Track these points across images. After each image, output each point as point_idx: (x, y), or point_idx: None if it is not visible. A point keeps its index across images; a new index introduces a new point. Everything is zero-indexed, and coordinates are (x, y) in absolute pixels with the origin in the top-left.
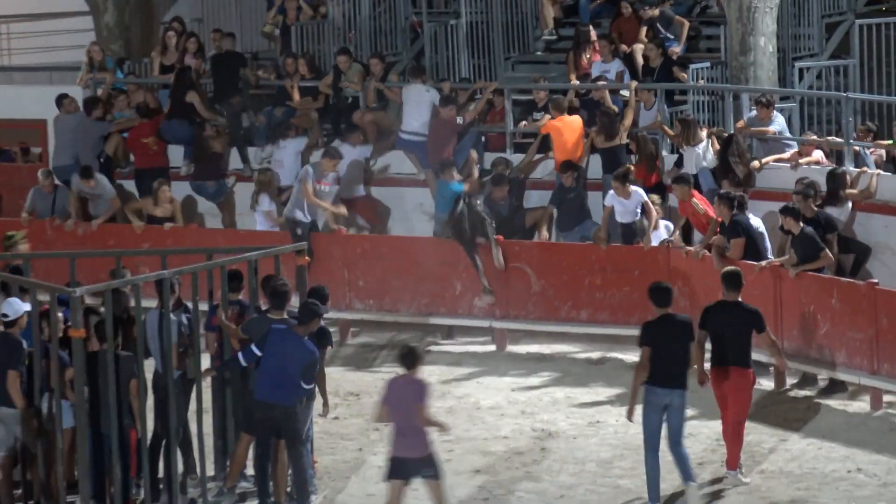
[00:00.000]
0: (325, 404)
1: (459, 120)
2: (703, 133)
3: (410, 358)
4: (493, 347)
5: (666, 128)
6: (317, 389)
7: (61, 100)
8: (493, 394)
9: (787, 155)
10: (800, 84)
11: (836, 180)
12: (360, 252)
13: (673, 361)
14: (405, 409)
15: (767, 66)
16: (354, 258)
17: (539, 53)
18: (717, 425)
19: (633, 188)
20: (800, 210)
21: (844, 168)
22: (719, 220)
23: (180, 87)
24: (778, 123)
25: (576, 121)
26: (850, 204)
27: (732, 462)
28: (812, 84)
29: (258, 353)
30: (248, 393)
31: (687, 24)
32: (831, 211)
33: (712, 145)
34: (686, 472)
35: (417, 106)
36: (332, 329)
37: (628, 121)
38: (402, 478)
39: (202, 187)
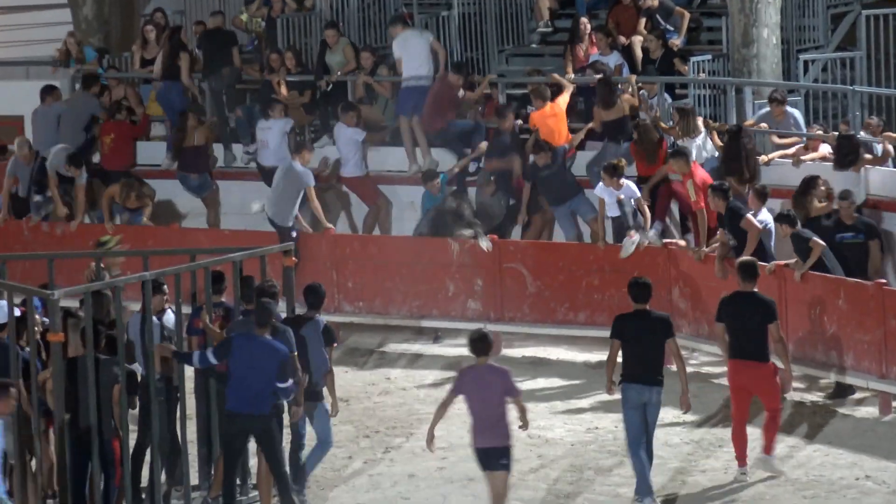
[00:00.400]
0: (334, 404)
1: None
2: (701, 123)
3: (482, 344)
4: None
5: (661, 123)
6: (325, 389)
7: (50, 91)
8: None
9: (791, 150)
10: (804, 77)
11: (850, 142)
12: (349, 252)
13: (648, 358)
14: (486, 398)
15: (771, 58)
16: (343, 258)
17: (534, 46)
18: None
19: (624, 181)
20: (794, 216)
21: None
22: (713, 213)
23: (173, 48)
24: (794, 118)
25: (558, 103)
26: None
27: (769, 447)
28: (817, 77)
29: (213, 360)
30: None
31: (687, 14)
32: (844, 176)
33: (711, 137)
34: (642, 482)
35: (414, 50)
36: None
37: (629, 94)
38: (494, 469)
39: (185, 179)
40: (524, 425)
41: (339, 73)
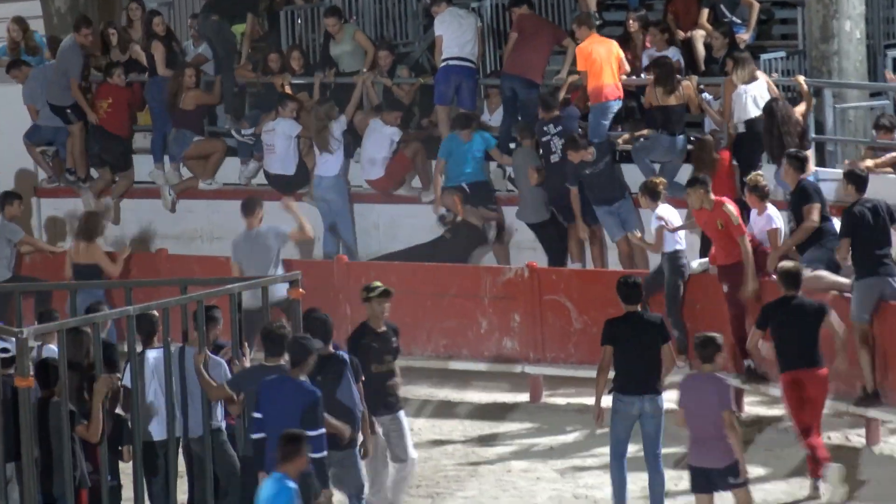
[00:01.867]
0: (364, 445)
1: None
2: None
3: (707, 349)
4: (525, 397)
5: (707, 107)
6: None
7: (17, 66)
8: (526, 453)
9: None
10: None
11: None
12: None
13: (640, 365)
14: (704, 412)
15: (854, 55)
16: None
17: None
18: None
19: (662, 206)
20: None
21: None
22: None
23: (148, 38)
24: None
25: (610, 43)
26: None
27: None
28: None
29: (259, 416)
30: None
31: (757, 5)
32: None
33: (769, 87)
34: (618, 499)
35: (460, 29)
36: None
37: (693, 81)
38: (708, 491)
39: (183, 136)
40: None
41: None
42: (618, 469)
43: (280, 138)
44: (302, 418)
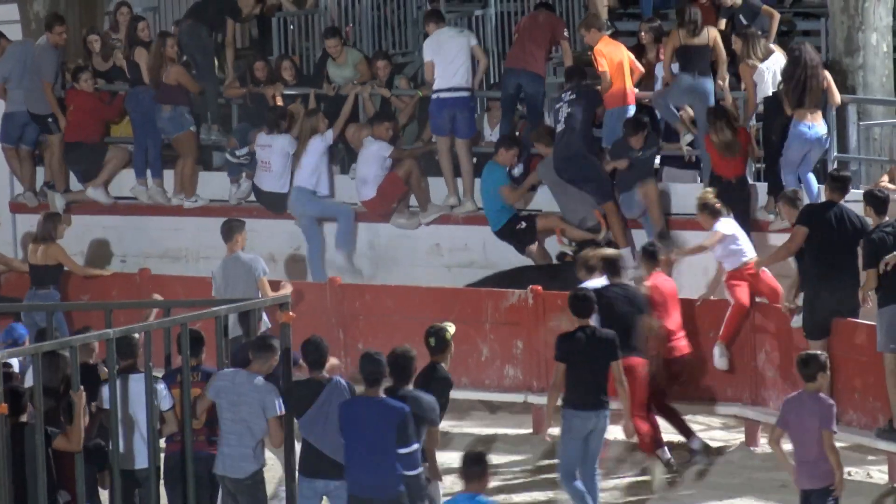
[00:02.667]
0: (433, 469)
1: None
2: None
3: (813, 367)
4: (529, 430)
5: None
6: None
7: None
8: (531, 491)
9: None
10: None
11: None
12: (360, 306)
13: (592, 380)
14: (806, 432)
15: (881, 69)
16: (352, 314)
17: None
18: None
19: (723, 220)
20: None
21: None
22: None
23: (131, 44)
24: None
25: (621, 46)
26: None
27: None
28: None
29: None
30: None
31: (778, 16)
32: None
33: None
34: None
35: (450, 53)
36: None
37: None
38: None
39: (157, 111)
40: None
41: (338, 86)
42: (573, 486)
43: (277, 155)
44: (397, 437)
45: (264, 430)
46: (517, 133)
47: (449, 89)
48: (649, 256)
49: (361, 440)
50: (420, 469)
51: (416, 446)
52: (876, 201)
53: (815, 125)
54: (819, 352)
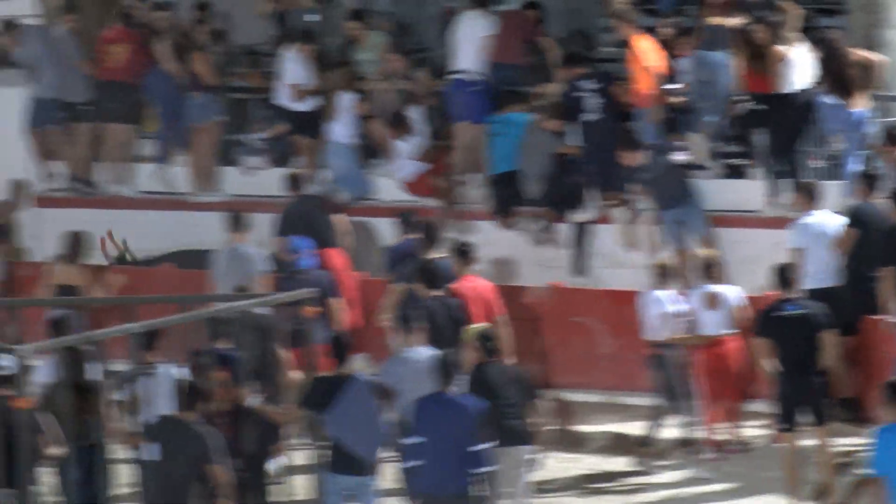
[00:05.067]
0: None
1: None
2: None
3: None
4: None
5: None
6: None
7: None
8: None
9: None
10: None
11: None
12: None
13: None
14: None
15: None
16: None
17: (605, 50)
18: None
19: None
20: None
21: None
22: None
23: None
24: None
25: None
26: None
27: None
28: None
29: (419, 440)
30: None
31: (797, 10)
32: None
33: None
34: None
35: (471, 39)
36: None
37: None
38: None
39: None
40: None
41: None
42: None
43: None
44: (476, 433)
45: None
46: None
47: (463, 72)
48: (461, 256)
49: (437, 437)
50: (491, 467)
51: (487, 445)
52: None
53: (860, 110)
54: None
